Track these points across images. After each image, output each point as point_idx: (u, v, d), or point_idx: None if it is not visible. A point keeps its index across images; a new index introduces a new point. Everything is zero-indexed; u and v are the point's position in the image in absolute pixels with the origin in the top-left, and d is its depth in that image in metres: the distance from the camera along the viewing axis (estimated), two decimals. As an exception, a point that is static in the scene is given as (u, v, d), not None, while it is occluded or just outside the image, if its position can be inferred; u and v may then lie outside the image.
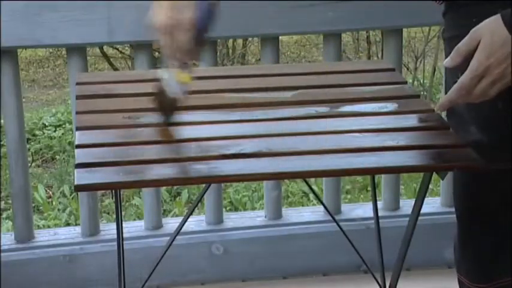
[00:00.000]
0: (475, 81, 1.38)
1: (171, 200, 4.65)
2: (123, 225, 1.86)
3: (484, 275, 1.68)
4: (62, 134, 5.96)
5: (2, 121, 2.46)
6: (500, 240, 1.63)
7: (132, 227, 2.57)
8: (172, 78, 1.51)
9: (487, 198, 1.62)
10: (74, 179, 1.34)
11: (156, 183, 1.60)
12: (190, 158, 1.42)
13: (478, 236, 1.67)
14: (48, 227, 4.21)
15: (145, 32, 2.33)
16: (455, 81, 1.53)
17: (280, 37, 2.51)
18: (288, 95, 1.69)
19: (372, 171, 1.62)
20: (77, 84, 1.79)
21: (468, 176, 1.62)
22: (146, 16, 1.49)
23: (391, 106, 1.64)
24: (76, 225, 3.89)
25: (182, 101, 1.53)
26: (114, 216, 1.68)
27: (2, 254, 2.42)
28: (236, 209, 4.42)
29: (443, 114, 1.68)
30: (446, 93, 1.49)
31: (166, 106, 1.54)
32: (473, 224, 1.67)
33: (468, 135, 1.55)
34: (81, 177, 1.35)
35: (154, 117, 1.58)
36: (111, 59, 7.26)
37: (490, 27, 1.36)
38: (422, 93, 6.01)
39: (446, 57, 1.57)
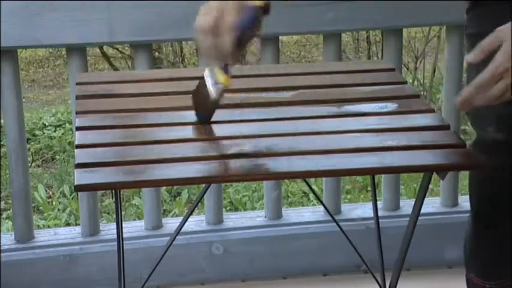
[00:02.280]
0: (494, 79, 1.38)
1: (171, 200, 4.65)
2: (123, 225, 1.86)
3: (499, 274, 1.68)
4: (62, 134, 5.96)
5: (2, 121, 2.46)
6: None
7: (132, 227, 2.57)
8: (211, 78, 1.51)
9: (505, 198, 1.62)
10: (74, 179, 1.34)
11: (156, 183, 1.60)
12: (190, 158, 1.42)
13: (494, 237, 1.67)
14: (48, 227, 4.22)
15: (145, 32, 2.36)
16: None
17: (280, 37, 2.51)
18: (288, 95, 1.69)
19: (372, 171, 1.62)
20: (77, 84, 1.79)
21: (485, 175, 1.63)
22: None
23: (391, 106, 1.64)
24: (76, 225, 3.89)
25: (217, 101, 1.51)
26: (114, 216, 1.68)
27: (2, 254, 2.42)
28: (236, 209, 4.42)
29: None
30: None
31: (202, 104, 1.53)
32: (489, 225, 1.67)
33: (486, 134, 1.57)
34: (81, 177, 1.35)
35: (154, 117, 1.58)
36: (111, 59, 7.26)
37: None
38: (422, 93, 6.01)
39: (467, 52, 1.57)
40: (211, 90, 1.50)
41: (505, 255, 1.68)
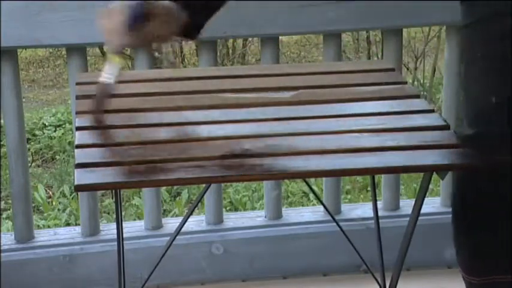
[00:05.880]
0: None
1: (171, 200, 4.65)
2: (123, 225, 1.86)
3: (479, 270, 1.69)
4: (62, 134, 5.96)
5: (2, 121, 2.46)
6: (498, 239, 1.63)
7: (132, 227, 2.57)
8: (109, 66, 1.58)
9: (486, 197, 1.63)
10: (74, 179, 1.34)
11: (156, 183, 1.60)
12: (190, 158, 1.42)
13: (475, 235, 1.67)
14: (48, 227, 4.21)
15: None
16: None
17: (280, 37, 2.51)
18: (288, 95, 1.69)
19: (372, 171, 1.62)
20: (77, 84, 1.79)
21: (467, 175, 1.63)
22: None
23: (391, 106, 1.64)
24: (76, 225, 3.89)
25: (112, 88, 1.57)
26: (114, 216, 1.68)
27: (2, 254, 2.42)
28: (236, 209, 4.42)
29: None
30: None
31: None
32: (470, 223, 1.67)
33: (462, 130, 1.58)
34: (81, 177, 1.35)
35: (153, 117, 1.58)
36: (111, 59, 7.24)
37: None
38: (422, 93, 6.01)
39: (462, 49, 1.58)
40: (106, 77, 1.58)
41: (485, 255, 1.68)
